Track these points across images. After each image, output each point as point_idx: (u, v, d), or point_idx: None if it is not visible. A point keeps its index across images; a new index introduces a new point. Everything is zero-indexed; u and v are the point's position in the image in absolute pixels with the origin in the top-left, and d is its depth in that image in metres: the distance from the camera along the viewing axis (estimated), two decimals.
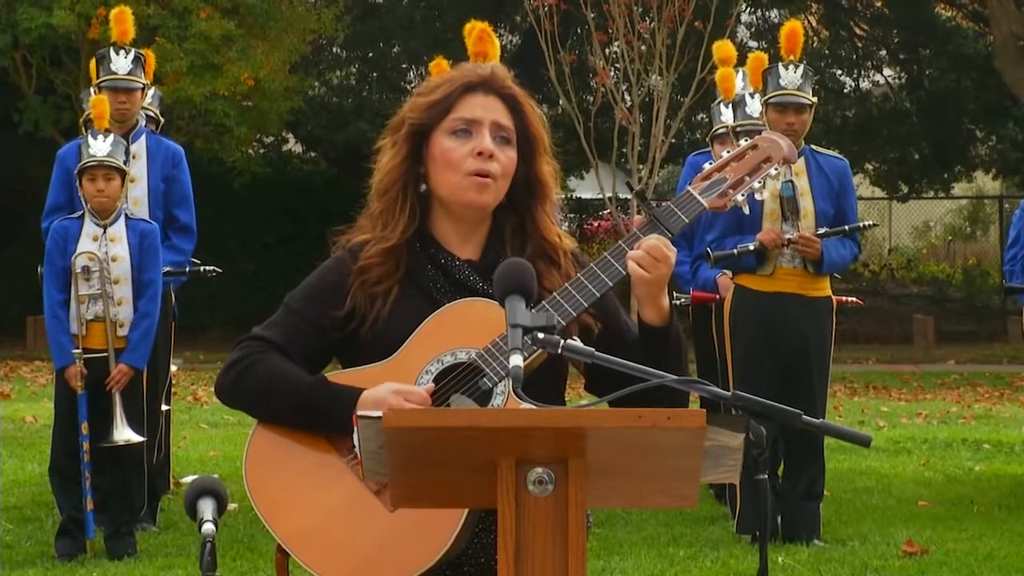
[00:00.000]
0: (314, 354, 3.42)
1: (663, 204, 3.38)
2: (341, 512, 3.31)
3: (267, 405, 3.37)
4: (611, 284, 3.30)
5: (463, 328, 3.26)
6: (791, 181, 8.09)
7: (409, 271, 3.39)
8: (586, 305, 3.29)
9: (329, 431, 3.31)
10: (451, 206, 3.41)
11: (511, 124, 3.39)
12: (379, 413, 2.95)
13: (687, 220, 3.34)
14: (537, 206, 3.42)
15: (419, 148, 3.43)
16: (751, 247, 7.96)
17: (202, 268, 8.80)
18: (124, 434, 7.72)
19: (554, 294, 3.30)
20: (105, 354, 7.76)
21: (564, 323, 3.26)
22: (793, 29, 8.53)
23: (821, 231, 8.08)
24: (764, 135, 3.52)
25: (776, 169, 3.45)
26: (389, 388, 3.25)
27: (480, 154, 3.35)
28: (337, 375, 3.40)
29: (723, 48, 9.78)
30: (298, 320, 3.42)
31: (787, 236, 7.99)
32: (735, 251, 7.97)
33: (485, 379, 3.29)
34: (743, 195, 3.42)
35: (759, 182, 3.43)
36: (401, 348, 3.33)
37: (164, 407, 9.04)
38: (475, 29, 8.45)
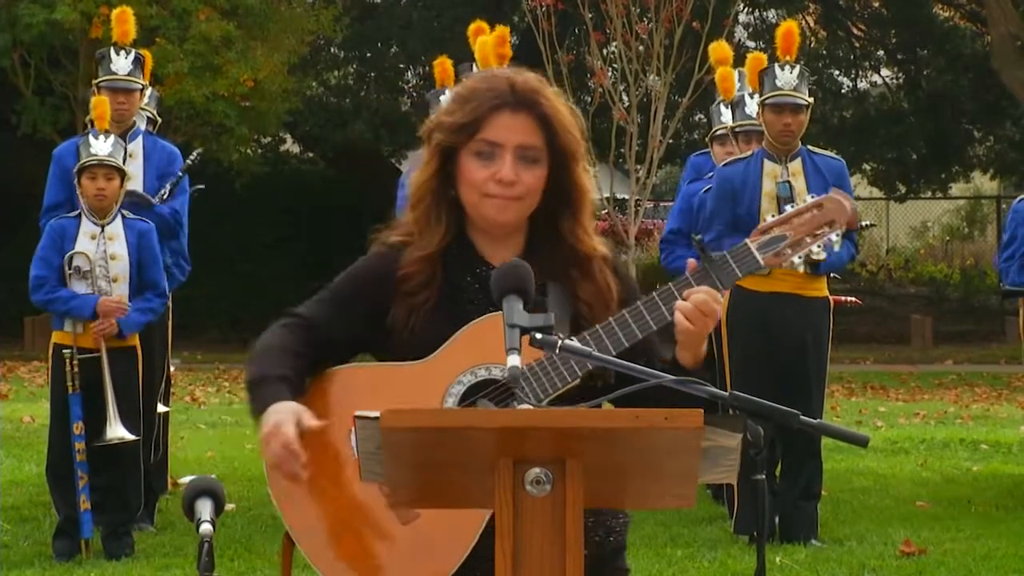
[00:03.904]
0: (341, 337, 3.42)
1: (719, 254, 3.33)
2: (356, 514, 3.29)
3: (247, 368, 3.42)
4: (654, 328, 3.29)
5: (499, 342, 3.22)
6: (788, 181, 8.09)
7: (447, 278, 3.39)
8: (627, 345, 3.28)
9: (253, 416, 3.31)
10: (476, 222, 3.42)
11: (540, 141, 3.36)
12: (376, 414, 2.94)
13: (740, 275, 3.31)
14: (571, 214, 3.40)
15: (448, 164, 3.40)
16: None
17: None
18: (117, 432, 7.71)
19: (597, 328, 3.28)
20: (99, 354, 7.75)
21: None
22: (789, 30, 8.53)
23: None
24: (832, 195, 3.43)
25: (837, 235, 3.38)
26: (284, 417, 3.22)
27: (500, 181, 3.34)
28: (370, 366, 3.39)
29: (719, 49, 9.79)
30: (335, 302, 3.45)
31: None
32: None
33: (515, 402, 3.29)
34: (800, 257, 3.36)
35: (818, 246, 3.37)
36: (436, 352, 3.32)
37: (163, 408, 9.03)
38: (482, 32, 8.47)
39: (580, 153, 3.39)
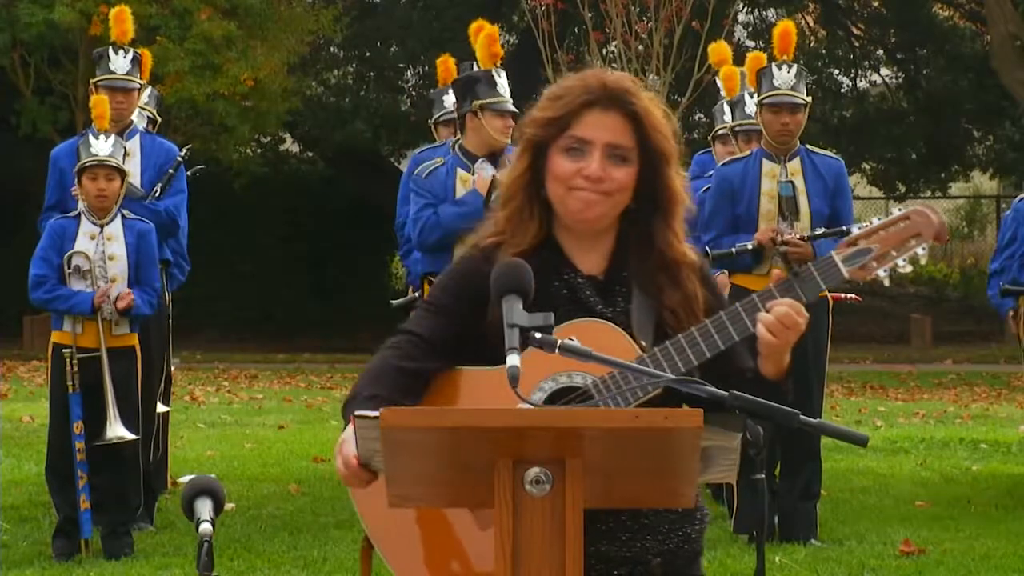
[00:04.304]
0: (459, 342, 3.39)
1: (804, 267, 3.31)
2: (436, 519, 3.28)
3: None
4: (736, 339, 3.28)
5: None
6: (791, 181, 8.09)
7: (537, 282, 3.32)
8: (708, 355, 3.27)
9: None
10: (563, 218, 3.39)
11: (630, 140, 3.33)
12: (376, 413, 2.95)
13: (824, 287, 3.30)
14: (661, 218, 3.37)
15: (539, 159, 3.38)
16: (749, 246, 7.95)
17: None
18: (117, 431, 7.70)
19: (679, 337, 3.27)
20: (98, 353, 7.75)
21: (684, 369, 3.24)
22: (786, 29, 8.52)
23: (819, 231, 8.08)
24: (920, 208, 3.38)
25: (923, 249, 3.32)
26: (349, 435, 3.22)
27: (587, 177, 3.32)
28: (467, 370, 3.36)
29: (718, 50, 9.81)
30: (438, 313, 3.41)
31: (783, 237, 7.99)
32: (733, 250, 7.97)
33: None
34: (885, 271, 3.32)
35: (903, 260, 3.32)
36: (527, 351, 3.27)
37: (164, 408, 9.03)
38: (482, 30, 8.47)
39: (672, 156, 3.36)
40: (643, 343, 3.26)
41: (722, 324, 3.28)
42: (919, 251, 3.32)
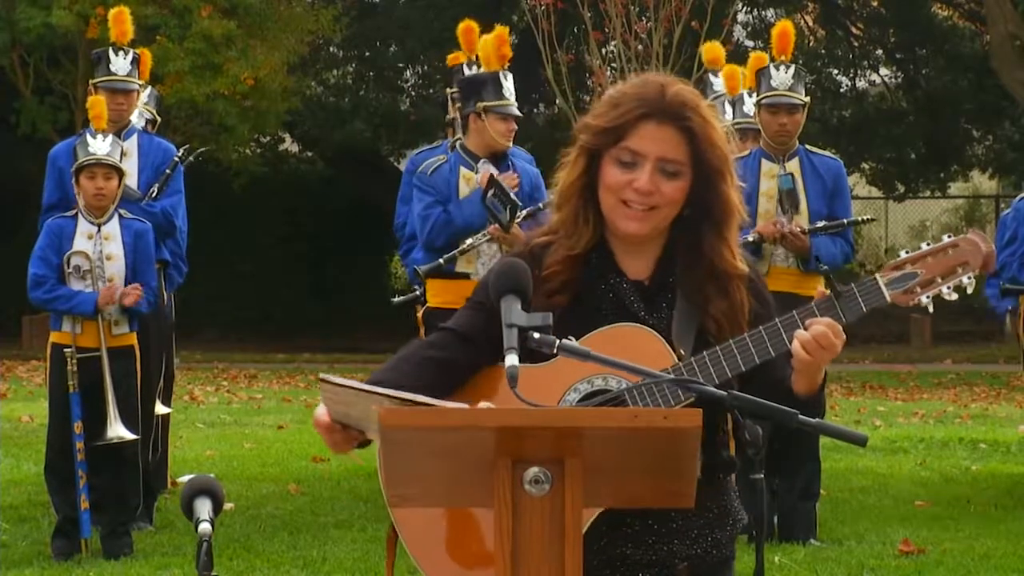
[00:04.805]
0: (489, 335, 3.34)
1: (847, 287, 3.29)
2: (462, 510, 3.29)
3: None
4: (772, 355, 3.27)
5: (616, 354, 3.18)
6: (791, 175, 8.10)
7: (584, 284, 3.36)
8: (744, 369, 3.26)
9: None
10: (610, 227, 3.39)
11: (683, 155, 3.32)
12: (342, 380, 3.07)
13: (864, 310, 3.28)
14: (713, 229, 3.36)
15: (593, 165, 3.37)
16: (750, 238, 7.97)
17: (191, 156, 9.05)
18: (117, 431, 7.71)
19: (717, 349, 3.26)
20: (98, 353, 7.75)
21: (718, 380, 3.23)
22: (784, 29, 8.52)
23: (819, 224, 8.08)
24: (970, 236, 3.35)
25: (969, 278, 3.30)
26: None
27: (637, 190, 3.31)
28: (493, 367, 3.35)
29: (712, 49, 9.85)
30: (479, 308, 3.40)
31: (785, 229, 8.00)
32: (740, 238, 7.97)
33: None
34: (928, 297, 3.29)
35: (948, 288, 3.29)
36: (555, 358, 3.25)
37: (165, 409, 9.04)
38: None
39: (727, 169, 3.36)
40: (682, 351, 3.25)
41: (760, 339, 3.27)
42: (964, 279, 3.29)
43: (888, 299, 3.29)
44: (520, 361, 3.09)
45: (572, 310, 3.31)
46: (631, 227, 3.33)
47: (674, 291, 3.35)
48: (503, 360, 3.12)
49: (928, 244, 3.33)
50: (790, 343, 3.25)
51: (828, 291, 3.27)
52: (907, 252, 3.33)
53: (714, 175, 3.33)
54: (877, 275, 3.31)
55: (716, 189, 3.34)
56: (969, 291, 3.28)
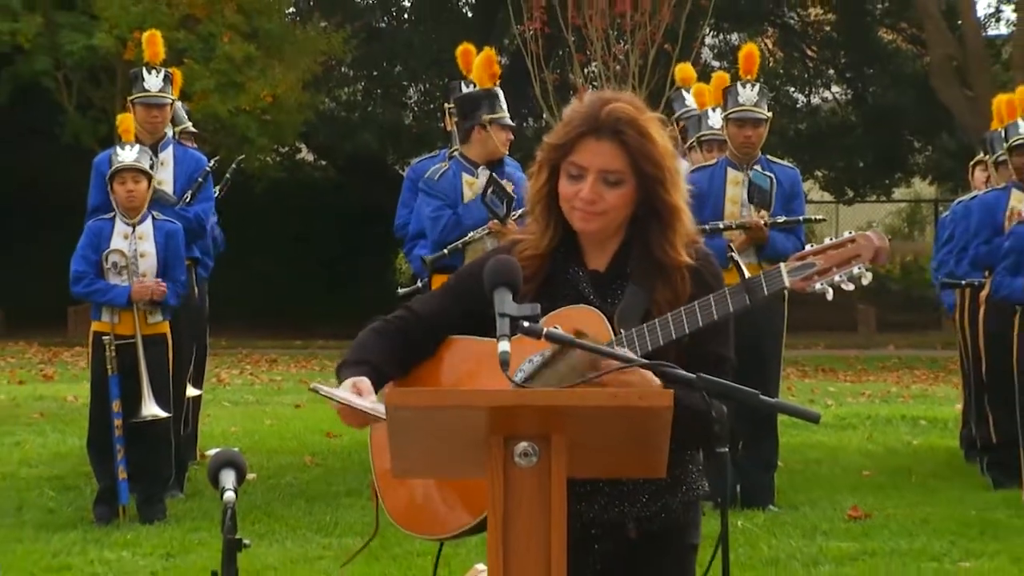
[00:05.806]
0: (466, 318, 3.41)
1: (756, 276, 3.29)
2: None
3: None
4: (687, 330, 3.26)
5: (569, 329, 3.19)
6: (771, 177, 8.13)
7: (549, 276, 3.40)
8: (662, 343, 3.25)
9: None
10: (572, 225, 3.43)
11: (622, 165, 3.32)
12: (327, 390, 3.14)
13: (767, 293, 3.28)
14: (658, 229, 3.36)
15: (553, 178, 3.41)
16: (733, 225, 8.03)
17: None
18: (151, 409, 7.74)
19: (644, 326, 3.28)
20: (134, 340, 7.76)
21: (651, 348, 3.23)
22: (750, 52, 8.56)
23: (780, 219, 8.10)
24: (867, 233, 3.38)
25: (860, 269, 3.28)
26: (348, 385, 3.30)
27: (582, 199, 3.34)
28: (477, 340, 3.38)
29: (683, 70, 9.99)
30: (446, 295, 3.49)
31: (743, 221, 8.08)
32: (726, 224, 8.02)
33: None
34: (822, 284, 3.29)
35: (840, 276, 3.28)
36: (516, 336, 3.25)
37: (196, 392, 9.05)
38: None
39: (664, 176, 3.34)
40: (622, 330, 3.27)
41: (679, 317, 3.29)
42: (855, 271, 3.29)
43: (787, 284, 3.29)
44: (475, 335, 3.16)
45: (538, 297, 3.34)
46: (583, 226, 3.38)
47: (627, 279, 3.37)
48: (486, 337, 3.17)
49: (831, 239, 3.34)
50: (702, 322, 3.25)
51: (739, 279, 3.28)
52: (812, 246, 3.34)
53: (653, 182, 3.35)
54: (782, 264, 3.31)
55: (656, 194, 3.36)
56: (864, 282, 3.28)
